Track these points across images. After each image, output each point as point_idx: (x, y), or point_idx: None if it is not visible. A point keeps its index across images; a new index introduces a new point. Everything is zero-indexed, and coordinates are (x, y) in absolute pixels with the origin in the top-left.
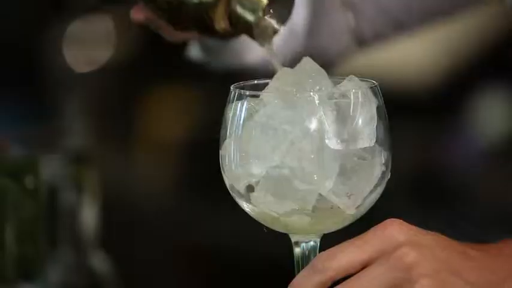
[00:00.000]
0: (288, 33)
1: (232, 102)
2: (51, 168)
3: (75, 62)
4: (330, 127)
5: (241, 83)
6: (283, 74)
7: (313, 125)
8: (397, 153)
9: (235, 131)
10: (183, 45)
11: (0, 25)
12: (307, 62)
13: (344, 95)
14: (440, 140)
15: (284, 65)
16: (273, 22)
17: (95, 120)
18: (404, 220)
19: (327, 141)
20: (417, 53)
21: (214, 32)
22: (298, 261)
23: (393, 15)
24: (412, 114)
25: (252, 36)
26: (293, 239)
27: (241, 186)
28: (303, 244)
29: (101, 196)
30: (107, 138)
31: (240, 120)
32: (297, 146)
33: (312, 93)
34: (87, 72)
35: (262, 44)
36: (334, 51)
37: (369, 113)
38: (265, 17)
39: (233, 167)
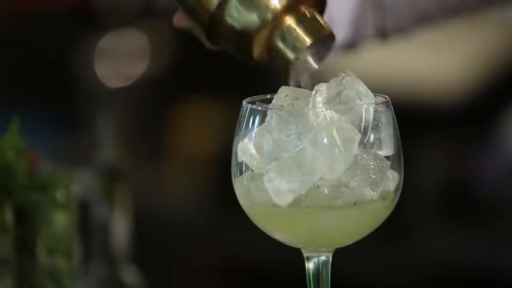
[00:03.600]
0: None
1: (245, 116)
2: (82, 182)
3: (107, 76)
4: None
5: (254, 98)
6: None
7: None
8: (428, 165)
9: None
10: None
11: (32, 38)
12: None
13: (354, 109)
14: (472, 152)
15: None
16: (311, 61)
17: (127, 134)
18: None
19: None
20: (448, 64)
21: (250, 57)
22: (310, 276)
23: (419, 6)
24: (443, 126)
25: (287, 69)
26: (305, 253)
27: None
28: (315, 259)
29: (133, 210)
30: (139, 152)
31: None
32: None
33: (323, 109)
34: (118, 85)
35: (295, 79)
36: (355, 42)
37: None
38: (304, 54)
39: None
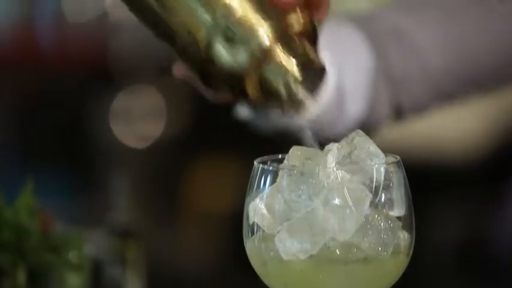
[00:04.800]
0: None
1: (256, 176)
2: (95, 242)
3: (122, 136)
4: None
5: (265, 157)
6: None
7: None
8: (444, 224)
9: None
10: (228, 113)
11: (47, 96)
12: (356, 135)
13: (364, 169)
14: (487, 211)
15: (314, 137)
16: (304, 94)
17: (141, 194)
18: None
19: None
20: (462, 122)
21: (246, 97)
22: None
23: (435, 86)
24: (459, 185)
25: (282, 105)
26: None
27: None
28: None
29: (146, 271)
30: (153, 212)
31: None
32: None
33: (334, 169)
34: (132, 146)
35: (292, 114)
36: (372, 121)
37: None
38: (296, 88)
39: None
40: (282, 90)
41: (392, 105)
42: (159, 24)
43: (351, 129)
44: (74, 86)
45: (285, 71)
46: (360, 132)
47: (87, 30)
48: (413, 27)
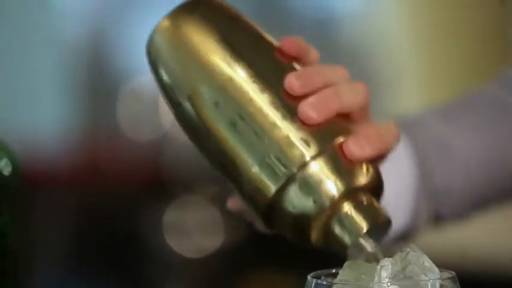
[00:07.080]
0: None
1: None
2: None
3: (177, 247)
4: None
5: (319, 272)
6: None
7: None
8: None
9: None
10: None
11: (101, 209)
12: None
13: (419, 285)
14: None
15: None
16: (369, 245)
17: None
18: None
19: None
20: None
21: (307, 241)
22: None
23: (477, 194)
24: None
25: (345, 253)
26: None
27: None
28: None
29: None
30: None
31: None
32: None
33: (388, 284)
34: (187, 256)
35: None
36: (411, 229)
37: None
38: (361, 240)
39: None
40: (347, 241)
41: (431, 213)
42: (225, 172)
43: (393, 239)
44: (128, 198)
45: (351, 223)
46: (414, 247)
47: (143, 145)
48: (455, 136)
